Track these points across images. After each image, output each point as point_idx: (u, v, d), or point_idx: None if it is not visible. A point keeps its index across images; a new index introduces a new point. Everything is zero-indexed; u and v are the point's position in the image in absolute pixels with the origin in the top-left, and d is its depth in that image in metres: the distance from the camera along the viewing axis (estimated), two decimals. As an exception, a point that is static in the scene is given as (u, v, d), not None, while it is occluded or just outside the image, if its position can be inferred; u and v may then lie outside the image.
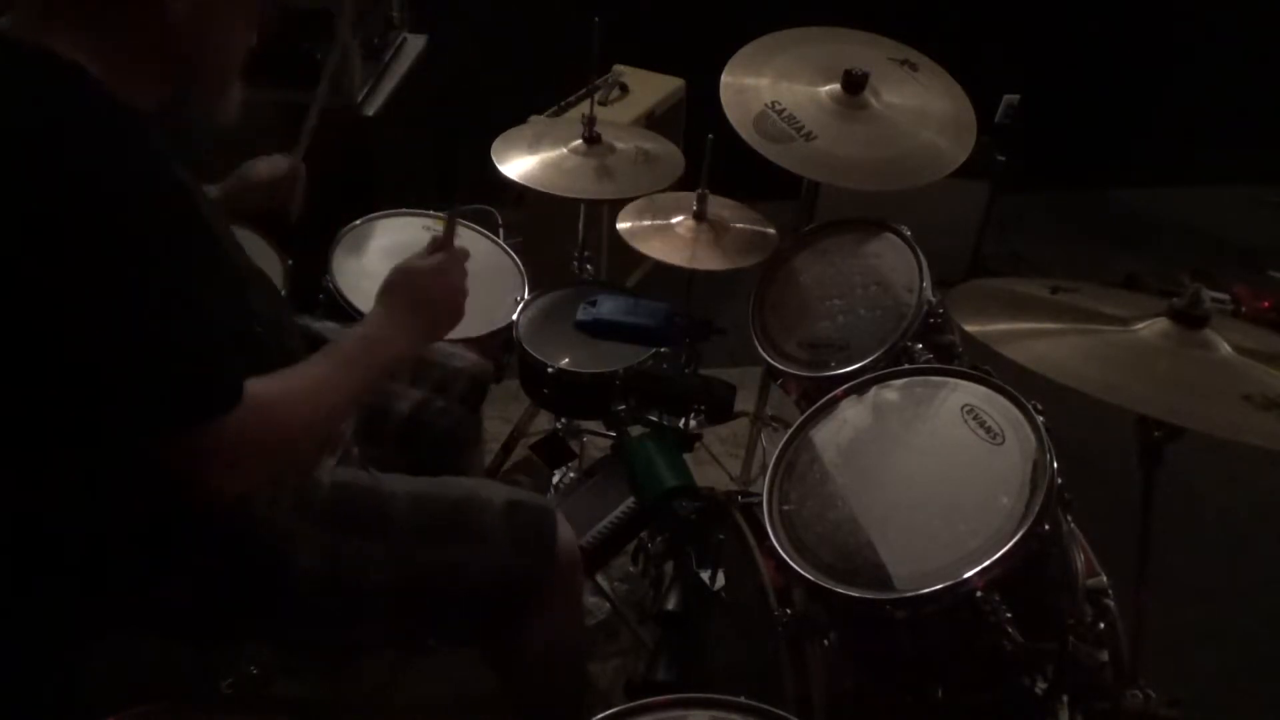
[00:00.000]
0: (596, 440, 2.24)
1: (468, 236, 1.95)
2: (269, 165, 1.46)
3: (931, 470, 1.23)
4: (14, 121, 0.89)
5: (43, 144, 0.88)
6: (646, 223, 1.78)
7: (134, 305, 0.89)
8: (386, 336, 1.14)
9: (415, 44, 2.64)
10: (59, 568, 1.07)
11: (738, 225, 1.78)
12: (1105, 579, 1.25)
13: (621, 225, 1.78)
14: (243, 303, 1.08)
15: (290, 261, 1.74)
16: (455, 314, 1.22)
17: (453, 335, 1.28)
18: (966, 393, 1.27)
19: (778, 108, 1.65)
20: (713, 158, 1.68)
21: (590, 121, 1.88)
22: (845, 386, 1.36)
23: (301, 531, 1.16)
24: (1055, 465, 1.13)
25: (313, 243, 1.79)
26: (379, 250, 1.88)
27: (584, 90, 2.62)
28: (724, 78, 1.70)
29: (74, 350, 0.90)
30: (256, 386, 0.97)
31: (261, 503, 1.12)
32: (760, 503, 1.26)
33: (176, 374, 0.92)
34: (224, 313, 1.00)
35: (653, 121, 2.75)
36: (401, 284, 1.18)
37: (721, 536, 1.42)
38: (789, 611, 1.22)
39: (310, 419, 1.05)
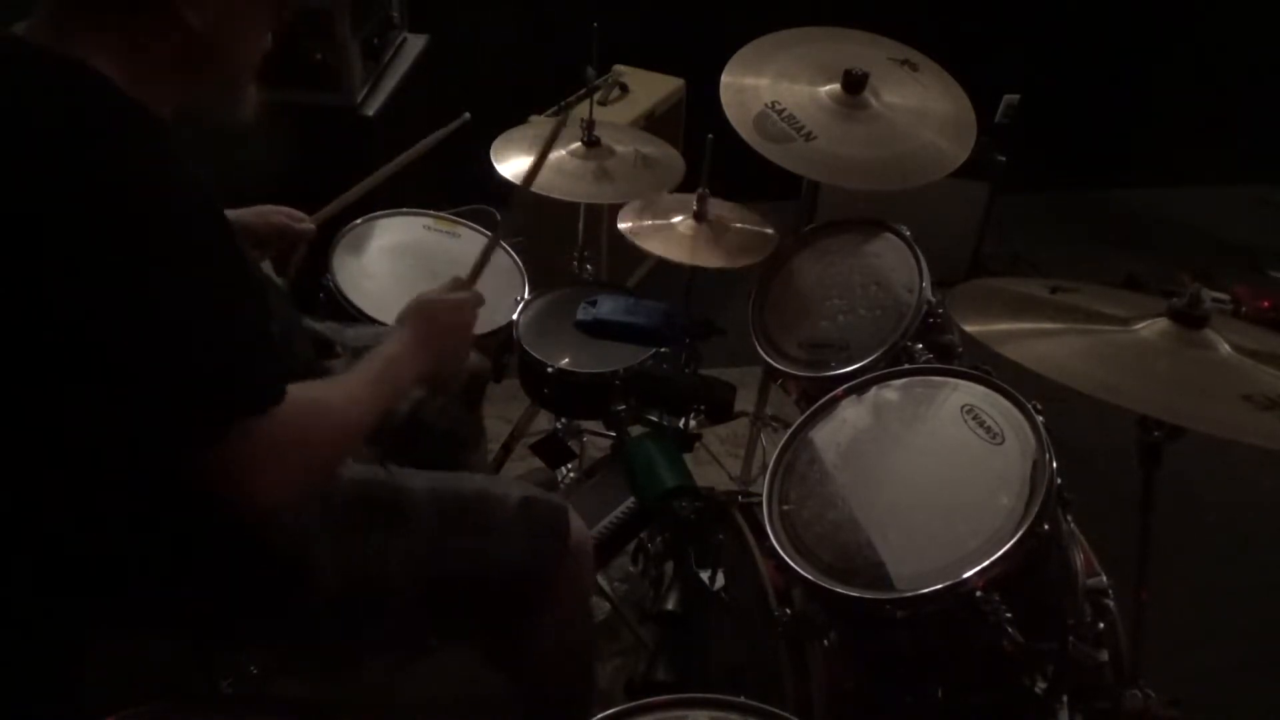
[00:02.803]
0: (596, 440, 2.23)
1: (468, 236, 1.95)
2: (288, 216, 1.49)
3: (931, 470, 1.23)
4: (40, 128, 0.88)
5: (69, 151, 0.87)
6: (647, 222, 1.78)
7: (175, 307, 0.89)
8: (407, 360, 1.18)
9: (415, 44, 2.64)
10: (78, 569, 1.07)
11: (738, 225, 1.78)
12: (1105, 579, 1.25)
13: (622, 224, 1.78)
14: (266, 305, 1.08)
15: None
16: (461, 353, 1.29)
17: None
18: (966, 393, 1.27)
19: (778, 108, 1.65)
20: (713, 158, 1.68)
21: (589, 125, 1.88)
22: (845, 386, 1.36)
23: (323, 533, 1.16)
24: (1055, 465, 1.13)
25: (312, 242, 1.79)
26: (379, 250, 1.88)
27: (584, 91, 2.62)
28: (724, 78, 1.70)
29: (115, 350, 0.89)
30: (295, 391, 0.97)
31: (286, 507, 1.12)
32: (760, 503, 1.27)
33: (223, 370, 0.92)
34: (257, 314, 1.00)
35: (652, 122, 2.75)
36: (422, 314, 1.24)
37: (721, 536, 1.42)
38: (789, 611, 1.23)
39: (341, 429, 1.07)
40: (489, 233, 1.98)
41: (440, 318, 1.25)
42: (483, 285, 1.35)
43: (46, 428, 0.97)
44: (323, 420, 1.03)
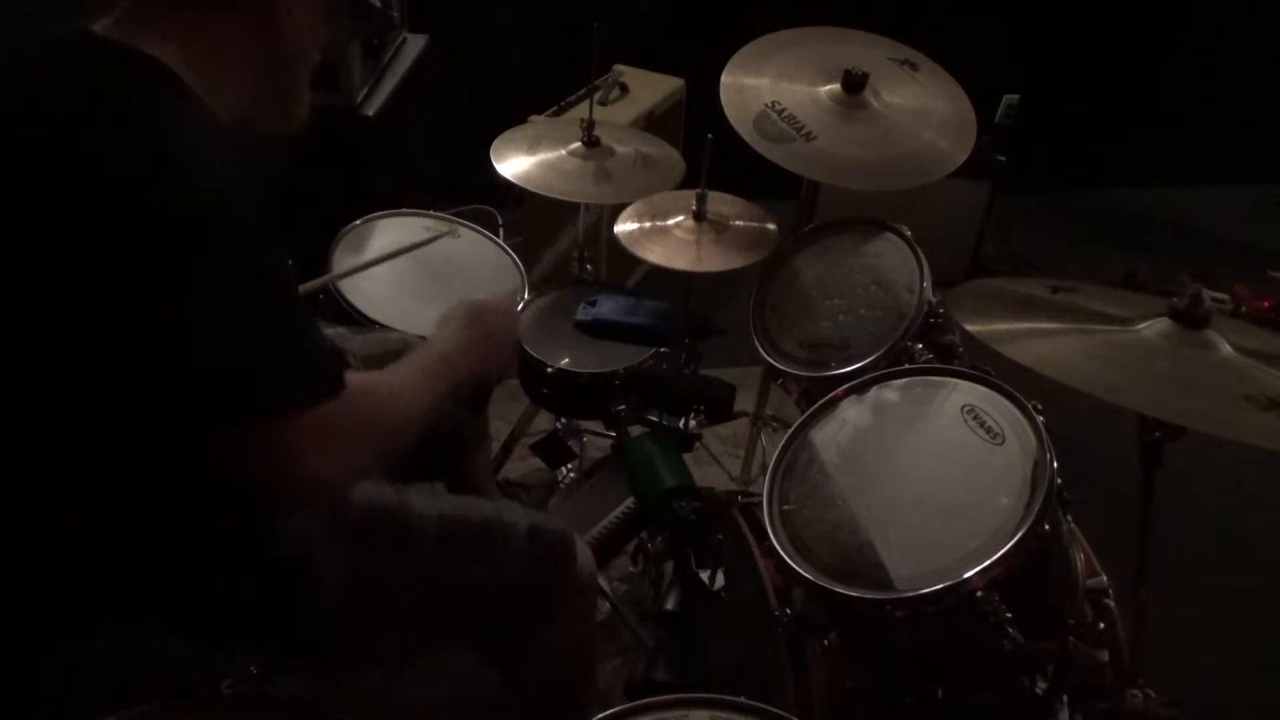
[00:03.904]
0: (596, 440, 2.23)
1: (468, 236, 1.95)
2: None
3: (931, 470, 1.23)
4: (108, 116, 0.88)
5: (140, 137, 0.87)
6: (646, 224, 1.78)
7: (245, 296, 0.89)
8: (459, 358, 1.18)
9: (415, 44, 2.64)
10: (80, 568, 1.07)
11: (738, 223, 1.78)
12: (1105, 579, 1.25)
13: (620, 228, 1.77)
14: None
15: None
16: (508, 361, 1.32)
17: None
18: (967, 393, 1.27)
19: (778, 108, 1.64)
20: (712, 158, 1.68)
21: (589, 126, 1.88)
22: (845, 386, 1.36)
23: (329, 547, 1.16)
24: (1055, 465, 1.13)
25: (313, 243, 1.79)
26: (379, 250, 1.88)
27: (584, 91, 2.62)
28: (724, 78, 1.70)
29: (185, 336, 0.88)
30: (351, 378, 0.97)
31: (293, 517, 1.12)
32: (760, 503, 1.26)
33: (292, 355, 0.92)
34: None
35: (652, 121, 2.75)
36: (474, 316, 1.25)
37: (721, 536, 1.42)
38: (789, 611, 1.23)
39: (393, 419, 1.06)
40: (489, 233, 1.98)
41: (492, 321, 1.26)
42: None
43: (61, 417, 0.97)
44: (375, 408, 1.02)
